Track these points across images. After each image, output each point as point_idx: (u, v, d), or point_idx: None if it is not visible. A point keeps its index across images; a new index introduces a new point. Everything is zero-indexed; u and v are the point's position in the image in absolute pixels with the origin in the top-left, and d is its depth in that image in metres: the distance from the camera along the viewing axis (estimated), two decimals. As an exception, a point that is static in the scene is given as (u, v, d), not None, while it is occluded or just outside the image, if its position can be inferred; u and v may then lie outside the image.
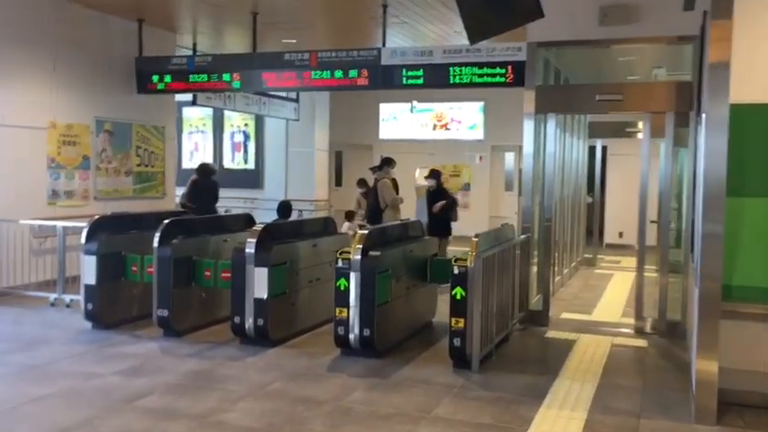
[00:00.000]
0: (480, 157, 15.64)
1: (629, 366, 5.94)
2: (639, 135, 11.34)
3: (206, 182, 9.97)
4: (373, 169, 10.03)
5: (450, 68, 8.40)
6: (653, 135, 11.20)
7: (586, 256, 12.13)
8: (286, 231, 6.89)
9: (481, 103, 15.25)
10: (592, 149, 12.52)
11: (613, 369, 5.79)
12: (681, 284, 7.04)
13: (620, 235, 14.28)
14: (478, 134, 15.50)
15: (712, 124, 4.44)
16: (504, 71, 8.09)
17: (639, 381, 5.50)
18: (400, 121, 16.09)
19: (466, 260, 5.57)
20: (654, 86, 7.72)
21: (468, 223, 15.36)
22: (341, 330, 5.90)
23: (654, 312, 7.19)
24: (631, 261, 12.23)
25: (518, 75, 7.92)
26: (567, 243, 10.42)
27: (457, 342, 5.62)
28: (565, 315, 7.90)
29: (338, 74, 9.02)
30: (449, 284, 5.68)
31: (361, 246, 5.82)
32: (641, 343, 6.70)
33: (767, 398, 4.77)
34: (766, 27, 4.79)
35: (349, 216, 11.14)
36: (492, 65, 8.17)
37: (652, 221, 7.26)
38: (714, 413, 4.50)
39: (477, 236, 5.79)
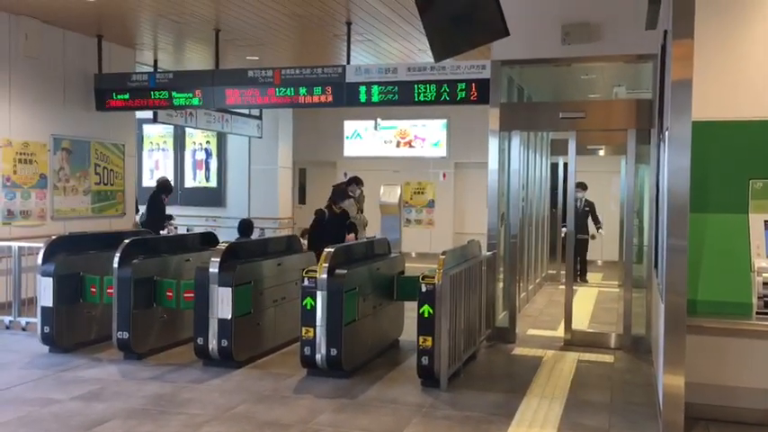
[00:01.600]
0: (444, 174, 15.69)
1: (596, 382, 5.96)
2: (601, 152, 11.54)
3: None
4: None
5: (415, 86, 8.43)
6: (615, 152, 11.42)
7: (550, 272, 12.22)
8: (250, 250, 6.78)
9: (444, 121, 15.34)
10: (554, 166, 12.66)
11: (581, 385, 5.81)
12: (644, 299, 7.12)
13: (583, 251, 14.41)
14: (442, 151, 15.56)
15: (675, 141, 4.50)
16: (468, 89, 8.14)
17: (607, 396, 5.52)
18: (364, 138, 16.08)
19: (433, 277, 5.54)
20: (615, 104, 7.86)
21: (434, 240, 15.44)
22: (307, 350, 5.80)
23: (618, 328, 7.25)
24: (595, 276, 12.43)
25: (482, 92, 7.99)
26: (531, 259, 10.48)
27: (425, 360, 5.57)
28: (531, 332, 7.92)
29: (302, 91, 8.98)
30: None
31: (327, 264, 5.75)
32: (607, 358, 6.74)
33: (733, 412, 4.82)
34: (726, 45, 4.91)
35: (304, 234, 11.01)
36: (456, 82, 8.22)
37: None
38: (681, 428, 4.51)
39: (444, 253, 5.78)
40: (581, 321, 8.57)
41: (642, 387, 5.81)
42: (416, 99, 8.47)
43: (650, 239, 6.70)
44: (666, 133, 4.74)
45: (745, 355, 4.78)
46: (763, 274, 4.66)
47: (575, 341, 7.20)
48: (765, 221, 4.84)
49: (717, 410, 4.84)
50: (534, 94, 9.55)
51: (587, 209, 11.77)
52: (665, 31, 5.42)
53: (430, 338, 5.52)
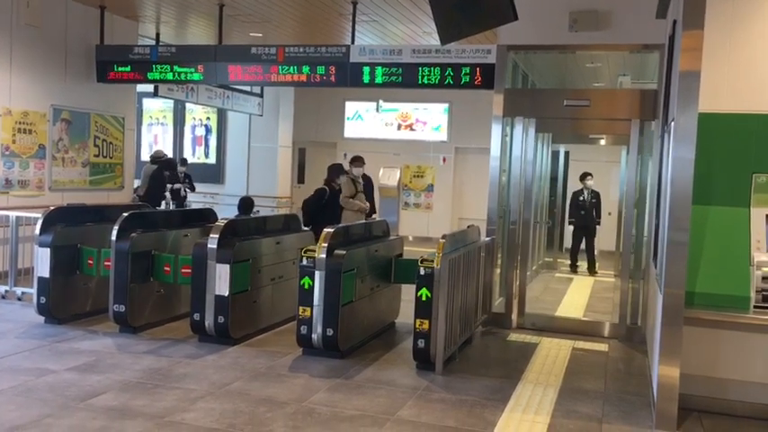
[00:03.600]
0: (444, 159, 15.67)
1: (591, 370, 5.98)
2: (602, 142, 11.50)
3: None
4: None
5: (420, 68, 8.37)
6: (616, 142, 11.37)
7: (546, 259, 12.24)
8: (249, 228, 6.76)
9: (446, 105, 15.29)
10: (555, 155, 12.63)
11: (575, 373, 5.83)
12: (641, 290, 7.13)
13: (580, 240, 14.44)
14: (443, 135, 15.54)
15: (680, 132, 4.48)
16: (473, 73, 8.08)
17: (601, 385, 5.54)
18: (365, 119, 16.03)
19: (432, 261, 5.54)
20: (620, 93, 7.81)
21: (431, 224, 15.45)
22: (304, 330, 5.80)
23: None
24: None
25: (487, 77, 7.93)
26: (528, 247, 10.46)
27: (421, 343, 5.58)
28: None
29: (305, 69, 8.91)
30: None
31: (326, 244, 5.74)
32: (602, 347, 6.76)
33: (726, 404, 4.85)
34: (733, 38, 4.88)
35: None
36: (461, 66, 8.16)
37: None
38: (674, 419, 4.54)
39: (444, 237, 5.77)
40: (576, 310, 8.61)
41: (636, 377, 5.84)
42: (420, 82, 8.41)
43: (650, 230, 6.70)
44: (672, 124, 4.72)
45: (741, 349, 4.79)
46: (763, 268, 4.66)
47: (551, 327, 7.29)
48: (767, 215, 4.83)
49: (710, 402, 4.86)
50: (538, 80, 9.49)
51: (594, 200, 11.62)
52: (674, 21, 5.38)
53: (427, 322, 5.53)
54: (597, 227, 11.70)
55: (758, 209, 4.85)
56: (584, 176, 11.71)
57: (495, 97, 7.40)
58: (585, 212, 11.58)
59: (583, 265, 11.76)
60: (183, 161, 13.26)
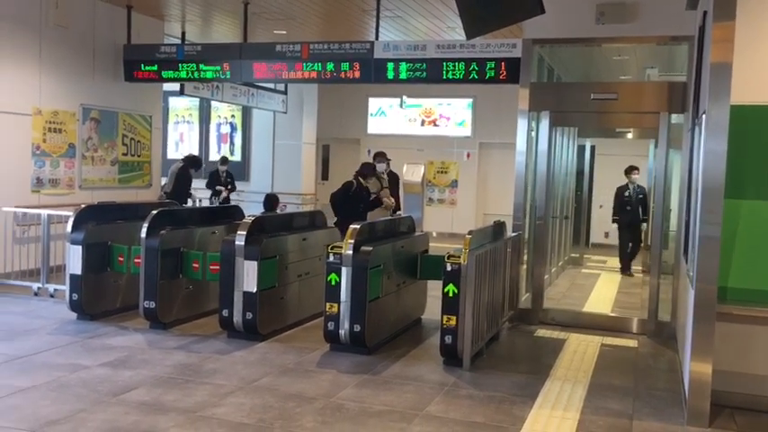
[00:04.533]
0: (468, 154, 15.61)
1: (620, 366, 5.93)
2: (629, 135, 11.37)
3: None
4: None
5: (444, 63, 8.34)
6: (642, 136, 11.21)
7: (573, 255, 12.15)
8: (276, 224, 6.80)
9: (470, 100, 15.23)
10: (581, 149, 12.53)
11: (604, 369, 5.78)
12: (671, 285, 7.06)
13: (606, 235, 14.30)
14: (466, 131, 15.47)
15: (712, 125, 4.42)
16: (498, 67, 8.04)
17: (630, 381, 5.49)
18: (389, 115, 16.02)
19: (459, 257, 5.52)
20: (649, 86, 7.73)
21: (455, 220, 15.41)
22: (331, 325, 5.83)
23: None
24: (617, 261, 12.28)
25: (512, 71, 7.88)
26: (554, 242, 10.40)
27: (448, 339, 5.58)
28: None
29: (330, 66, 8.93)
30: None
31: (353, 240, 5.75)
32: (631, 343, 6.70)
33: (760, 400, 4.78)
34: (764, 28, 4.79)
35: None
36: (486, 61, 8.12)
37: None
38: (707, 415, 4.49)
39: (470, 233, 5.75)
40: (604, 306, 8.54)
41: (666, 373, 5.78)
42: (445, 77, 8.38)
43: (680, 225, 6.62)
44: (703, 117, 4.65)
45: (774, 345, 4.72)
46: (797, 263, 4.59)
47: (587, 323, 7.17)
48: (801, 209, 4.75)
49: (743, 399, 4.80)
50: (564, 74, 9.42)
51: (641, 196, 10.66)
52: (705, 12, 5.30)
53: (454, 318, 5.52)
54: (644, 225, 10.58)
55: (792, 202, 4.76)
56: (629, 170, 10.76)
57: (520, 91, 7.35)
58: (631, 209, 10.63)
59: (613, 260, 11.27)
60: (224, 160, 12.83)
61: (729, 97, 4.35)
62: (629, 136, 11.44)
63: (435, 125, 15.71)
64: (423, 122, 15.79)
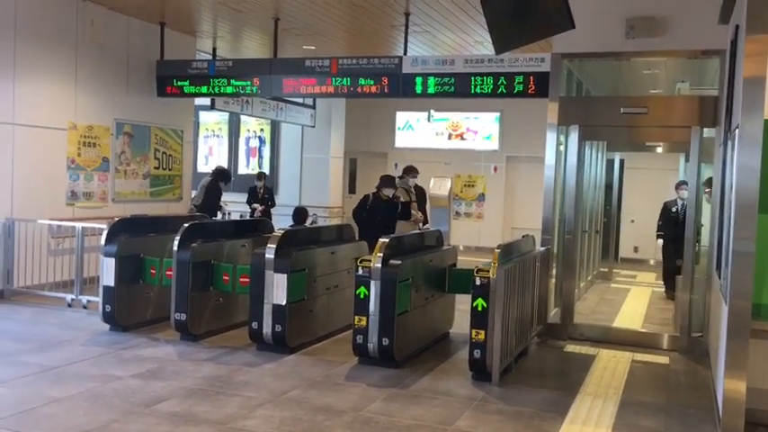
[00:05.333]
0: (495, 168, 15.57)
1: (652, 383, 5.86)
2: (658, 149, 11.28)
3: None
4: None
5: (472, 78, 8.36)
6: (672, 150, 11.08)
7: (602, 269, 12.04)
8: (305, 238, 6.86)
9: (497, 114, 15.21)
10: (610, 163, 12.44)
11: (635, 385, 5.72)
12: (702, 300, 6.96)
13: (636, 250, 14.18)
14: (494, 144, 15.44)
15: (745, 139, 4.37)
16: (526, 82, 8.04)
17: (662, 398, 5.43)
18: (416, 129, 16.06)
19: (488, 271, 5.52)
20: (679, 100, 7.68)
21: (482, 234, 15.36)
22: (360, 339, 5.85)
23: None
24: (647, 276, 12.16)
25: (540, 86, 7.88)
26: (583, 256, 10.32)
27: (477, 354, 5.56)
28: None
29: (359, 81, 9.00)
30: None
31: (381, 254, 5.78)
32: (662, 359, 6.62)
33: (796, 419, 4.69)
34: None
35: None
36: (514, 75, 8.13)
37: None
38: (741, 433, 4.42)
39: (499, 247, 5.75)
40: (634, 321, 8.45)
41: (699, 390, 5.70)
42: (473, 91, 8.40)
43: (712, 240, 6.54)
44: (736, 131, 4.61)
45: (811, 362, 4.63)
46: (834, 280, 4.50)
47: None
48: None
49: (778, 417, 4.71)
50: (593, 88, 9.38)
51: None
52: (737, 26, 5.26)
53: (483, 332, 5.51)
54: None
55: (827, 218, 4.68)
56: (679, 185, 10.04)
57: (549, 105, 7.35)
58: (678, 226, 9.31)
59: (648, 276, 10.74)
60: (260, 175, 12.27)
61: (763, 111, 4.31)
62: (659, 150, 11.34)
63: (462, 139, 15.71)
64: (450, 136, 15.80)
